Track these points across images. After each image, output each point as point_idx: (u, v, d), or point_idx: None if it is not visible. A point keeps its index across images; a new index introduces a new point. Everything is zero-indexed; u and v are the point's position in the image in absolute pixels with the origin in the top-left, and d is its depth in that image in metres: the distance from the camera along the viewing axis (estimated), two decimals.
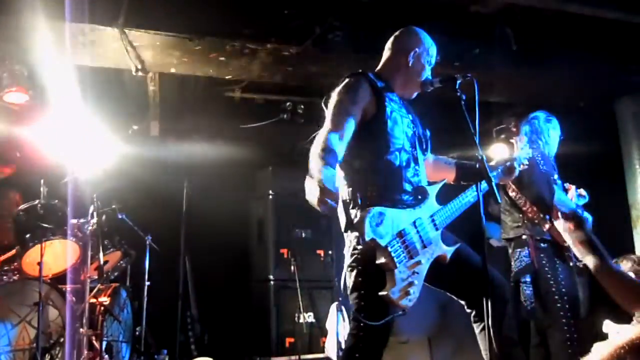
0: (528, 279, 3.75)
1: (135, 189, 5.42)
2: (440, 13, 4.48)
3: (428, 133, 2.81)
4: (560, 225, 2.19)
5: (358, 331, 2.43)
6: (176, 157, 6.07)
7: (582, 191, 3.99)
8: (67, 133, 4.86)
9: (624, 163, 5.44)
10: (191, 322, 5.71)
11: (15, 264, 4.14)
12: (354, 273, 2.47)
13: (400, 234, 2.37)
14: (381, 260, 2.31)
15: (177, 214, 5.75)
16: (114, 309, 4.50)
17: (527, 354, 3.82)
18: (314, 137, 2.43)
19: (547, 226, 3.63)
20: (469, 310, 2.62)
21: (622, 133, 5.49)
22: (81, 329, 4.09)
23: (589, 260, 2.05)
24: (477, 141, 2.39)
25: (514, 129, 5.73)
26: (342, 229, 2.51)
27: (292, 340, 5.73)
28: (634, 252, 5.18)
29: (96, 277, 4.40)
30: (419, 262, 2.39)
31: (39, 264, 3.87)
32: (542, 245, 3.71)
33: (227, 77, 5.31)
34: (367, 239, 2.27)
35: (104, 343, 4.27)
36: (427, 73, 2.77)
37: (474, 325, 2.60)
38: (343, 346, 3.82)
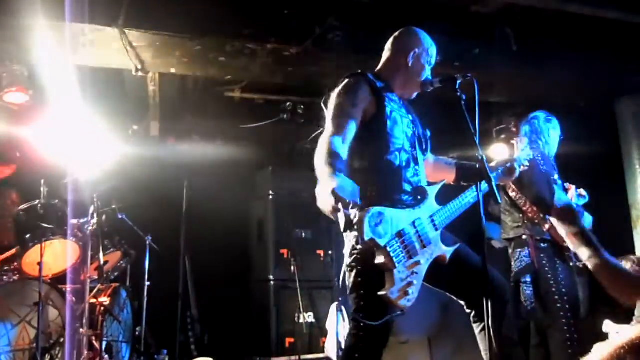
0: (528, 279, 3.75)
1: (135, 189, 5.41)
2: (441, 13, 4.48)
3: (428, 133, 2.81)
4: (555, 217, 2.19)
5: (358, 331, 2.43)
6: (176, 157, 6.07)
7: (582, 191, 3.99)
8: (67, 133, 4.86)
9: (624, 163, 5.44)
10: (191, 322, 5.71)
11: (15, 264, 4.14)
12: (353, 273, 2.47)
13: (400, 234, 2.37)
14: (380, 260, 2.31)
15: (177, 214, 5.75)
16: (114, 309, 4.50)
17: (527, 354, 3.82)
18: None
19: (547, 226, 3.63)
20: (468, 311, 2.62)
21: (622, 133, 5.49)
22: (81, 329, 4.09)
23: (583, 252, 2.05)
24: (477, 141, 2.39)
25: (514, 129, 5.73)
26: (341, 229, 2.51)
27: (292, 340, 5.73)
28: (634, 253, 5.19)
29: (96, 277, 4.40)
30: (418, 263, 2.39)
31: (39, 264, 3.87)
32: (542, 245, 3.71)
33: (227, 77, 5.31)
34: (366, 238, 2.27)
35: (104, 343, 4.27)
36: (427, 73, 2.77)
37: (474, 326, 2.60)
38: (343, 346, 3.82)
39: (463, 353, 4.41)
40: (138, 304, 4.92)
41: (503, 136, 6.00)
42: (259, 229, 6.27)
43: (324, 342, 5.53)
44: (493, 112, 6.10)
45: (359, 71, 2.67)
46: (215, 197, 5.90)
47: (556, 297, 3.59)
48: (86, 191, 4.52)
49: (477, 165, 2.46)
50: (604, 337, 3.27)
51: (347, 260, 2.50)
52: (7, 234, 4.49)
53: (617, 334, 3.16)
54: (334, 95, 2.59)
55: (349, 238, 2.50)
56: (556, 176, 3.82)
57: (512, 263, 3.86)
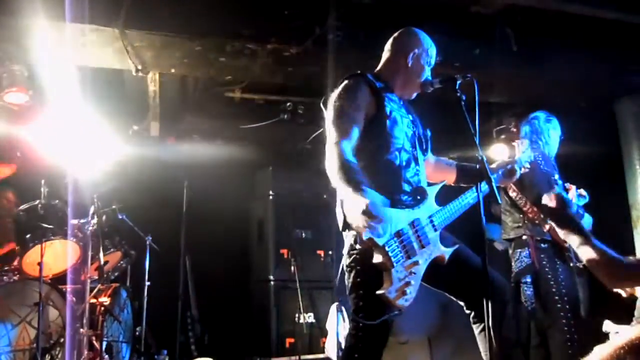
0: (529, 280, 3.75)
1: (135, 189, 5.42)
2: (441, 13, 4.47)
3: (429, 133, 2.81)
4: (545, 204, 2.20)
5: (357, 331, 2.44)
6: (176, 157, 6.07)
7: (583, 191, 3.98)
8: (67, 133, 4.86)
9: (624, 163, 5.43)
10: (191, 322, 5.71)
11: (16, 264, 4.14)
12: (352, 273, 2.47)
13: (399, 234, 2.37)
14: (378, 259, 2.31)
15: (177, 214, 5.75)
16: (114, 309, 4.50)
17: (527, 355, 3.82)
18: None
19: (547, 227, 3.63)
20: (468, 311, 2.62)
21: (622, 133, 5.49)
22: (81, 329, 4.09)
23: (573, 240, 2.06)
24: (477, 142, 2.39)
25: (514, 130, 5.73)
26: (340, 228, 2.52)
27: (292, 340, 5.73)
28: (634, 253, 5.18)
29: (96, 277, 4.41)
30: (416, 263, 2.39)
31: (39, 264, 3.87)
32: (542, 245, 3.71)
33: (227, 78, 5.31)
34: (364, 238, 2.27)
35: (104, 343, 4.27)
36: (426, 74, 2.77)
37: (474, 326, 2.60)
38: (343, 346, 3.82)
39: (463, 353, 4.41)
40: (138, 304, 4.92)
41: (503, 136, 5.99)
42: (259, 229, 6.27)
43: (324, 343, 5.53)
44: (493, 112, 6.10)
45: (358, 72, 2.67)
46: (215, 197, 5.90)
47: (556, 297, 3.59)
48: (86, 191, 4.52)
49: (478, 167, 2.46)
50: (604, 337, 3.26)
51: (346, 260, 2.51)
52: (4, 234, 4.50)
53: (617, 334, 3.15)
54: (333, 96, 2.59)
55: (348, 238, 2.50)
56: (557, 176, 3.82)
57: (513, 263, 3.86)
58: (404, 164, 2.57)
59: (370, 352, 2.44)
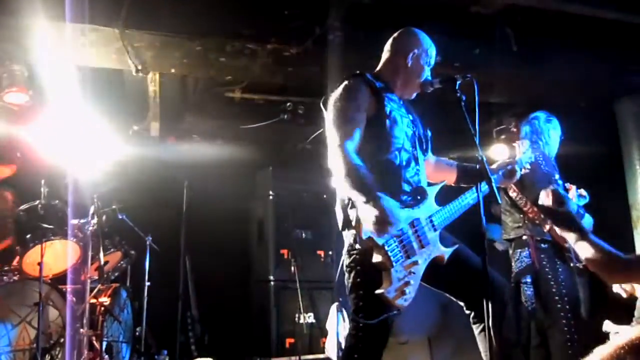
0: (529, 280, 3.75)
1: (135, 189, 5.42)
2: (441, 13, 4.47)
3: (429, 133, 2.81)
4: (543, 202, 2.20)
5: (357, 331, 2.44)
6: (176, 157, 6.07)
7: (583, 191, 3.98)
8: (68, 133, 4.86)
9: (625, 163, 5.43)
10: (191, 322, 5.71)
11: (16, 264, 4.14)
12: (352, 273, 2.48)
13: (398, 234, 2.37)
14: (378, 259, 2.31)
15: (177, 214, 5.75)
16: (114, 310, 4.50)
17: (528, 355, 3.82)
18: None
19: (547, 227, 3.63)
20: (468, 312, 2.62)
21: (622, 133, 5.48)
22: (81, 330, 4.09)
23: (570, 237, 2.05)
24: (477, 142, 2.39)
25: (514, 130, 5.73)
26: (340, 228, 2.52)
27: (292, 340, 5.73)
28: (634, 253, 5.18)
29: (96, 277, 4.41)
30: (415, 262, 2.39)
31: (40, 264, 3.87)
32: (542, 245, 3.70)
33: (227, 78, 5.31)
34: (364, 237, 2.27)
35: (104, 343, 4.27)
36: (426, 74, 2.77)
37: (473, 327, 2.60)
38: (343, 347, 3.82)
39: (463, 353, 4.41)
40: (138, 304, 4.92)
41: (503, 137, 5.99)
42: (259, 229, 6.27)
43: (324, 343, 5.53)
44: (493, 112, 6.09)
45: (358, 72, 2.67)
46: (215, 197, 5.90)
47: (556, 297, 3.58)
48: (86, 191, 4.52)
49: (478, 167, 2.46)
50: (604, 337, 3.26)
51: (346, 260, 2.51)
52: (2, 231, 4.50)
53: (617, 334, 3.15)
54: (334, 97, 2.58)
55: (347, 237, 2.50)
56: (557, 176, 3.82)
57: (513, 263, 3.86)
58: (404, 163, 2.57)
59: (370, 352, 2.44)
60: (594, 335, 3.43)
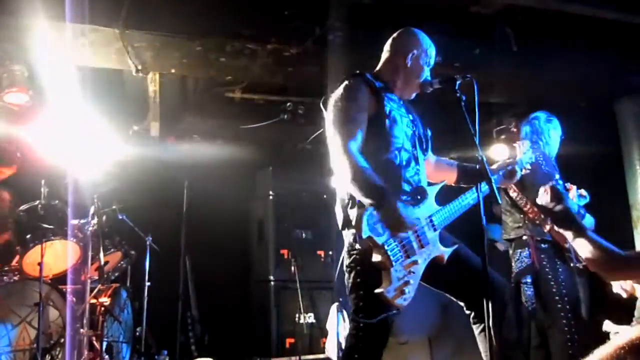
0: (529, 280, 3.75)
1: (135, 189, 5.42)
2: (441, 14, 4.47)
3: (429, 133, 2.81)
4: (542, 199, 2.20)
5: (357, 331, 2.44)
6: (176, 157, 6.07)
7: (583, 191, 3.98)
8: (67, 133, 4.86)
9: (625, 163, 5.43)
10: (191, 322, 5.71)
11: (16, 264, 4.14)
12: (352, 274, 2.48)
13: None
14: (377, 258, 2.32)
15: (178, 215, 5.75)
16: (115, 310, 4.50)
17: (528, 355, 3.81)
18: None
19: (548, 227, 3.63)
20: (468, 312, 2.62)
21: (622, 133, 5.48)
22: (81, 330, 4.09)
23: (569, 234, 2.05)
24: (477, 142, 2.39)
25: (515, 130, 5.72)
26: (340, 227, 2.52)
27: (292, 340, 5.73)
28: (633, 250, 5.16)
29: (97, 277, 4.41)
30: (415, 262, 2.39)
31: (40, 264, 3.87)
32: (542, 245, 3.70)
33: (227, 78, 5.30)
34: (363, 236, 2.28)
35: (104, 343, 4.27)
36: (426, 74, 2.77)
37: (474, 327, 2.60)
38: (343, 347, 3.82)
39: (463, 354, 4.41)
40: (138, 305, 4.92)
41: (503, 137, 5.99)
42: (259, 229, 6.27)
43: (324, 343, 5.53)
44: (493, 112, 6.09)
45: (357, 72, 2.67)
46: (215, 197, 5.90)
47: (557, 297, 3.58)
48: (86, 191, 4.52)
49: (478, 167, 2.46)
50: (604, 337, 3.26)
51: (346, 260, 2.51)
52: (2, 233, 4.51)
53: (617, 334, 3.15)
54: (334, 97, 2.58)
55: (347, 237, 2.50)
56: (557, 176, 3.81)
57: (513, 263, 3.86)
58: (404, 163, 2.57)
59: (370, 352, 2.44)
60: (594, 335, 3.43)
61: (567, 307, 3.57)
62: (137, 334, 4.82)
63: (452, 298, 2.65)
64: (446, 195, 2.65)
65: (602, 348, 1.20)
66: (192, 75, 5.34)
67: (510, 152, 5.11)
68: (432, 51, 2.79)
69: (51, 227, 4.17)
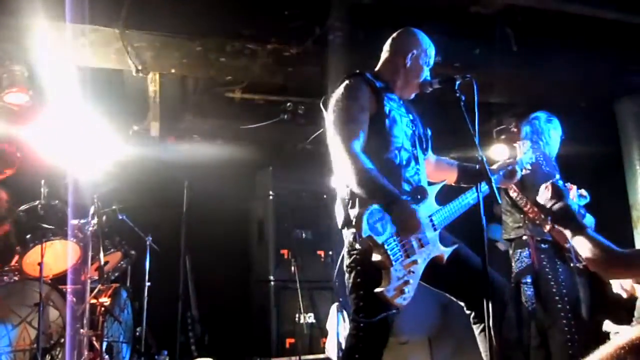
0: (529, 280, 3.75)
1: (135, 189, 5.42)
2: (441, 14, 4.47)
3: (429, 132, 2.81)
4: (542, 196, 2.20)
5: (358, 332, 2.44)
6: (176, 157, 6.07)
7: (583, 191, 3.98)
8: (67, 133, 4.86)
9: (625, 164, 5.43)
10: (191, 322, 5.71)
11: (16, 264, 4.14)
12: (353, 274, 2.48)
13: (398, 233, 2.37)
14: (377, 258, 2.32)
15: (178, 215, 5.75)
16: (115, 310, 4.50)
17: (528, 356, 3.81)
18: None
19: (548, 227, 3.63)
20: (468, 312, 2.62)
21: (622, 133, 5.48)
22: (82, 330, 4.09)
23: (568, 231, 2.05)
24: (477, 142, 2.39)
25: (515, 130, 5.72)
26: (340, 226, 2.52)
27: (292, 340, 5.73)
28: (633, 248, 5.16)
29: (97, 277, 4.41)
30: (415, 262, 2.39)
31: (40, 264, 3.88)
32: (542, 246, 3.70)
33: (227, 78, 5.30)
34: (364, 235, 2.28)
35: (105, 344, 4.27)
36: (425, 74, 2.77)
37: (474, 327, 2.60)
38: (343, 347, 3.83)
39: (463, 354, 4.41)
40: (138, 305, 4.92)
41: (503, 137, 5.99)
42: (259, 229, 6.27)
43: (324, 343, 5.53)
44: (493, 112, 6.09)
45: (358, 71, 2.67)
46: (215, 197, 5.90)
47: (557, 297, 3.58)
48: (86, 191, 4.52)
49: (478, 167, 2.46)
50: (604, 337, 3.26)
51: (347, 260, 2.51)
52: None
53: (617, 334, 3.15)
54: (335, 97, 2.58)
55: (347, 236, 2.50)
56: (558, 176, 3.81)
57: (513, 263, 3.86)
58: (404, 163, 2.57)
59: (370, 352, 2.44)
60: (594, 335, 3.43)
61: (567, 307, 3.56)
62: (137, 334, 4.82)
63: (452, 298, 2.65)
64: (446, 195, 2.65)
65: (602, 348, 1.20)
66: (192, 75, 5.34)
67: (511, 152, 5.11)
68: (431, 51, 2.78)
69: (51, 227, 4.18)
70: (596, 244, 1.95)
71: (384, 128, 2.54)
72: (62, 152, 4.76)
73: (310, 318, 5.82)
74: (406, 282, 2.33)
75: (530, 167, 3.03)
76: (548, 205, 2.15)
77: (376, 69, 2.81)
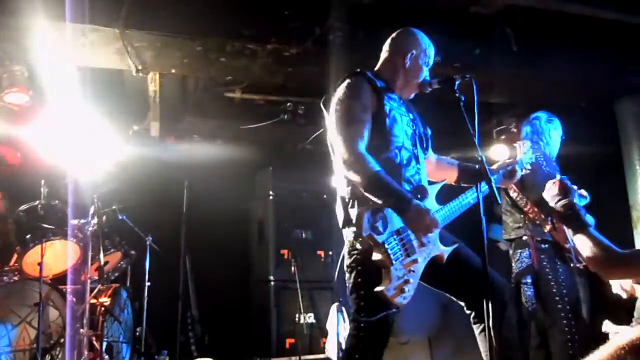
0: (529, 280, 3.75)
1: (135, 189, 5.42)
2: (440, 14, 4.47)
3: (429, 132, 2.81)
4: (548, 193, 2.20)
5: (358, 332, 2.44)
6: (176, 158, 6.07)
7: (583, 192, 3.96)
8: (68, 134, 4.86)
9: (625, 164, 5.42)
10: (191, 322, 5.71)
11: (16, 264, 4.14)
12: (353, 274, 2.47)
13: (398, 232, 2.37)
14: (377, 257, 2.32)
15: (178, 215, 5.75)
16: (115, 310, 4.50)
17: (528, 356, 3.81)
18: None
19: (548, 227, 3.63)
20: (468, 312, 2.61)
21: (622, 134, 5.48)
22: (81, 330, 4.09)
23: (570, 229, 2.05)
24: (476, 142, 2.39)
25: (515, 130, 5.72)
26: (340, 226, 2.52)
27: (292, 341, 5.73)
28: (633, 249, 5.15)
29: (96, 277, 4.41)
30: (415, 261, 2.39)
31: (40, 264, 3.87)
32: (542, 246, 3.70)
33: (227, 78, 5.30)
34: (364, 234, 2.28)
35: (104, 344, 4.27)
36: (425, 74, 2.77)
37: (474, 327, 2.60)
38: (343, 347, 3.83)
39: (463, 353, 4.41)
40: (138, 305, 4.92)
41: (503, 137, 5.99)
42: (259, 229, 6.27)
43: (324, 343, 5.53)
44: (493, 112, 6.09)
45: (359, 70, 2.67)
46: (215, 197, 5.90)
47: (557, 297, 3.58)
48: (86, 192, 4.52)
49: (478, 167, 2.46)
50: (604, 337, 3.26)
51: (347, 260, 2.51)
52: None
53: (617, 334, 3.15)
54: (337, 96, 2.58)
55: (347, 235, 2.50)
56: (558, 176, 3.81)
57: (513, 264, 3.86)
58: (404, 162, 2.57)
59: (371, 353, 2.44)
60: (594, 335, 3.42)
61: (567, 307, 3.56)
62: (137, 334, 4.82)
63: (452, 298, 2.65)
64: (446, 195, 2.65)
65: (602, 348, 1.20)
66: (192, 75, 5.34)
67: (511, 152, 5.11)
68: (431, 51, 2.78)
69: (51, 227, 4.18)
70: (597, 243, 1.95)
71: (385, 127, 2.54)
72: (62, 152, 4.76)
73: (310, 318, 5.82)
74: (406, 281, 2.33)
75: (530, 167, 3.04)
76: (553, 201, 2.15)
77: (376, 68, 2.81)
